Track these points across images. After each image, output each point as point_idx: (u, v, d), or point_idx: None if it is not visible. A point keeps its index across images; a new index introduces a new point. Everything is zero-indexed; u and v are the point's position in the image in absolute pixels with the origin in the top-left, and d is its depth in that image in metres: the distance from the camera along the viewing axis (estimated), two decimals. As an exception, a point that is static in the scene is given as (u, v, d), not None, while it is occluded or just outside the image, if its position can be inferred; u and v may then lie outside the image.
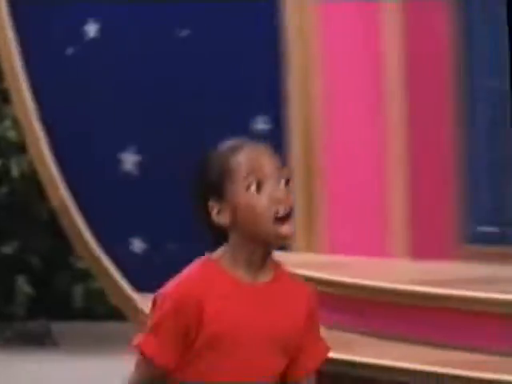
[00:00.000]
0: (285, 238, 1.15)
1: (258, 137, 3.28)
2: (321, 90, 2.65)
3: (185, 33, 2.96)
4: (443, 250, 2.59)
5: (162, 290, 1.18)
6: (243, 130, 2.59)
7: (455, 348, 2.21)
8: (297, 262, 2.55)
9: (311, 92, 2.63)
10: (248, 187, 1.13)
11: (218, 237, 1.17)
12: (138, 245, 2.88)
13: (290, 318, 1.19)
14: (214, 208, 1.16)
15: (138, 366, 1.17)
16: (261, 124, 2.67)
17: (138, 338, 1.15)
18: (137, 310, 2.79)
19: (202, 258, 1.20)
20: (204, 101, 2.73)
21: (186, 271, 1.18)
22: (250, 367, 1.15)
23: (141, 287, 2.72)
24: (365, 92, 2.66)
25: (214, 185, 1.16)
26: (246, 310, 1.16)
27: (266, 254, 1.16)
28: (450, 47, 2.59)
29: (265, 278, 1.18)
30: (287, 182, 1.15)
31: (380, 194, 2.61)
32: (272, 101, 2.64)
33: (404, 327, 2.24)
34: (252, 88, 2.68)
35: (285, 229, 1.14)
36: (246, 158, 1.16)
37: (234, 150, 1.17)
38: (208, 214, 1.17)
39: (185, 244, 2.66)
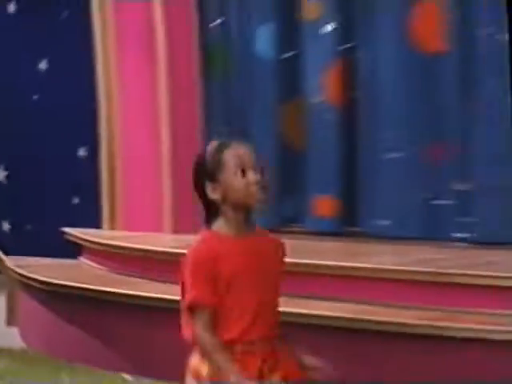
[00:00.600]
0: (261, 201, 1.56)
1: (80, 160, 4.74)
2: (119, 128, 4.24)
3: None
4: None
5: (186, 255, 1.56)
6: (71, 156, 4.25)
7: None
8: (106, 236, 4.03)
9: (113, 131, 4.24)
10: (235, 174, 1.54)
11: (211, 210, 1.57)
12: (6, 225, 4.55)
13: (272, 260, 1.61)
14: (209, 188, 1.56)
15: (198, 318, 1.52)
16: (83, 151, 4.36)
17: (186, 298, 1.54)
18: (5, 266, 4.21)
19: (206, 230, 1.59)
20: (46, 133, 4.33)
21: (198, 239, 1.59)
22: (258, 300, 1.54)
23: (9, 252, 4.28)
24: (145, 122, 4.15)
25: (211, 172, 1.56)
26: (244, 257, 1.55)
27: (248, 216, 1.58)
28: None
29: (250, 233, 1.59)
30: (261, 170, 1.56)
31: (157, 190, 4.09)
32: (90, 136, 4.26)
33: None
34: (77, 127, 4.29)
35: (260, 195, 1.55)
36: (234, 153, 1.55)
37: (224, 146, 1.57)
38: (205, 193, 1.57)
39: (36, 225, 4.37)
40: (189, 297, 1.52)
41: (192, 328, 1.52)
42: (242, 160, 1.55)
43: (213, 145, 1.60)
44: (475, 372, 2.48)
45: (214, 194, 1.56)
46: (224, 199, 1.55)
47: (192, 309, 1.51)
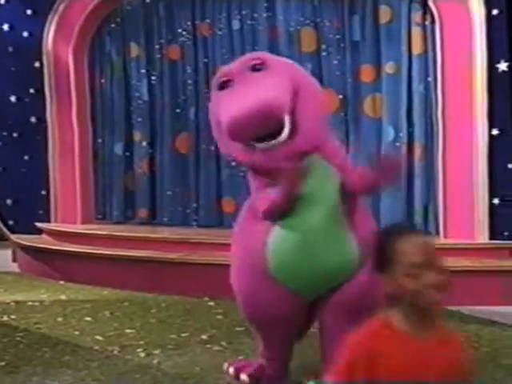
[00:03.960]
0: (436, 303, 1.39)
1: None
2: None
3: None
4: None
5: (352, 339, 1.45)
6: None
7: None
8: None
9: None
10: (408, 274, 1.36)
11: (391, 298, 1.42)
12: None
13: (445, 361, 1.41)
14: (385, 278, 1.44)
15: None
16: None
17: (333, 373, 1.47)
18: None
19: (381, 316, 1.42)
20: None
21: (367, 327, 1.45)
22: None
23: None
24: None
25: (385, 260, 1.41)
26: (409, 360, 1.38)
27: (426, 316, 1.40)
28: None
29: (430, 335, 1.41)
30: (440, 269, 1.37)
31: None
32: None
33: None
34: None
35: (436, 297, 1.37)
36: (411, 247, 1.35)
37: (401, 234, 1.38)
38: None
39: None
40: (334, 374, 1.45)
41: None
42: (418, 257, 1.36)
43: (390, 230, 1.43)
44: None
45: (387, 286, 1.43)
46: (398, 295, 1.42)
47: None
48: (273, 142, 2.90)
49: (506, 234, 5.65)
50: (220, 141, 3.14)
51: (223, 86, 3.06)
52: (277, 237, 3.05)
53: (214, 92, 3.16)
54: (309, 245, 2.96)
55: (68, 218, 7.26)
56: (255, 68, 3.00)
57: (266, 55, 3.15)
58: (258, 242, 3.10)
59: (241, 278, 3.21)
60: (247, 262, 3.17)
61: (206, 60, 7.21)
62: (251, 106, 2.78)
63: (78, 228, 7.00)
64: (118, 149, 7.55)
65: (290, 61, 3.26)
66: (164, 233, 6.64)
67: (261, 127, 2.85)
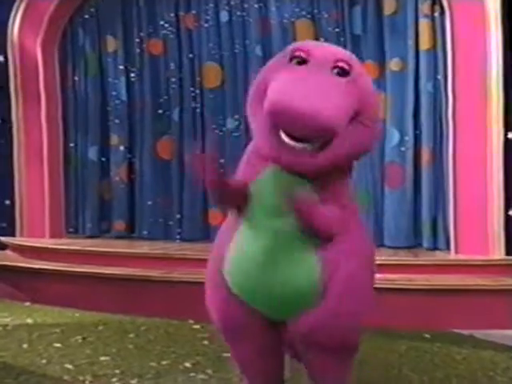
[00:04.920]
0: None
1: None
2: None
3: None
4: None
5: None
6: None
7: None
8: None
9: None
10: None
11: None
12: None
13: None
14: None
15: None
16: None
17: None
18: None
19: None
20: None
21: None
22: None
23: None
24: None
25: None
26: None
27: None
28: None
29: None
30: None
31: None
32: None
33: None
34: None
35: None
36: None
37: None
38: None
39: None
40: None
41: None
42: None
43: None
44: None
45: None
46: None
47: None
48: (305, 145, 2.82)
49: (524, 249, 5.68)
50: (253, 110, 2.96)
51: (295, 59, 2.90)
52: (234, 245, 3.07)
53: (280, 58, 2.99)
54: (257, 262, 2.96)
55: (35, 231, 7.24)
56: (339, 72, 2.87)
57: (354, 60, 2.99)
58: (222, 246, 3.14)
59: (206, 281, 3.25)
60: (210, 264, 3.22)
61: (191, 55, 7.23)
62: (312, 112, 2.67)
63: (47, 243, 6.96)
64: (93, 154, 7.54)
65: (368, 75, 3.12)
66: (144, 248, 6.64)
67: (303, 132, 2.77)
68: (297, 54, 2.93)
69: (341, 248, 2.97)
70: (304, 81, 2.79)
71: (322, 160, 2.87)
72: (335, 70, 2.89)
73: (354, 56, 3.03)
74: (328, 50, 3.01)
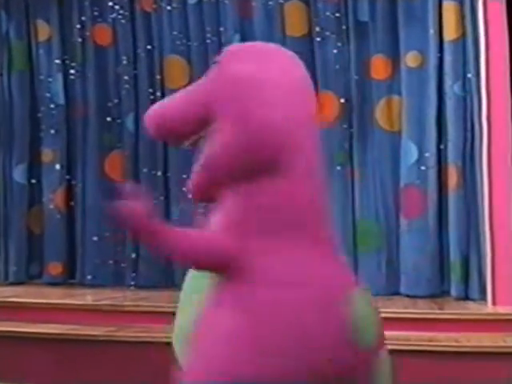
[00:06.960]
0: None
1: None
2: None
3: None
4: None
5: None
6: None
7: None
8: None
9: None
10: None
11: None
12: None
13: None
14: None
15: None
16: None
17: None
18: None
19: None
20: None
21: None
22: None
23: None
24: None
25: None
26: None
27: None
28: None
29: None
30: None
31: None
32: None
33: None
34: None
35: None
36: None
37: None
38: None
39: None
40: None
41: None
42: None
43: None
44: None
45: None
46: None
47: None
48: None
49: None
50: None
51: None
52: None
53: None
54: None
55: None
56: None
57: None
58: None
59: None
60: None
61: (149, 47, 7.24)
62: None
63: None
64: (19, 174, 7.48)
65: None
66: (87, 298, 6.58)
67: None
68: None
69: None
70: None
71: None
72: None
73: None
74: None
